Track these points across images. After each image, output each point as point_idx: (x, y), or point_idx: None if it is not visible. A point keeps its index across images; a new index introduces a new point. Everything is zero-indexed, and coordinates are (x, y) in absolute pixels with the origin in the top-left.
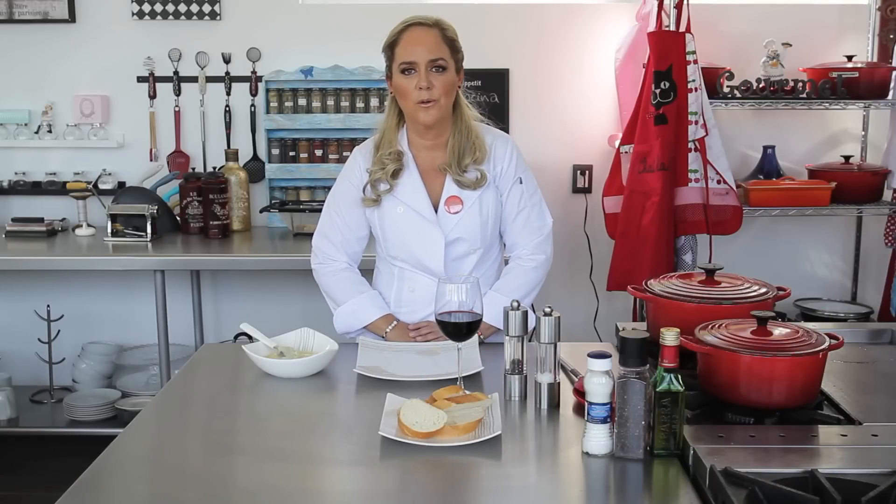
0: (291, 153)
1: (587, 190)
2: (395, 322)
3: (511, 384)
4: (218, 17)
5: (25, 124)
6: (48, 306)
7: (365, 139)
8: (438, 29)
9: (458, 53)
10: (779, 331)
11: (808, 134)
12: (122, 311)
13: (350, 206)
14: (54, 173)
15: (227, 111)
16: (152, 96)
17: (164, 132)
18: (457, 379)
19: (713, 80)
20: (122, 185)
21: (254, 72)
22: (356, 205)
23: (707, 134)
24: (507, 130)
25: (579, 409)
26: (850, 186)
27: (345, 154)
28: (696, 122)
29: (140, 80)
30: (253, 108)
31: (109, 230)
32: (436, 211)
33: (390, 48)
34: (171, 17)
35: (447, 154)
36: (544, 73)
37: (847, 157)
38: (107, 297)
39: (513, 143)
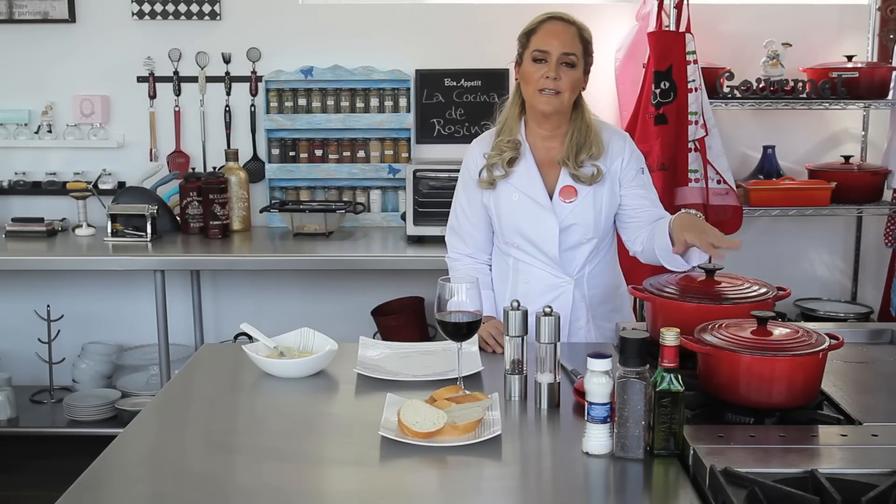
0: (291, 153)
1: None
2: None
3: (511, 384)
4: (218, 17)
5: (25, 124)
6: (48, 306)
7: (365, 139)
8: (576, 27)
9: (589, 56)
10: (779, 331)
11: (808, 134)
12: (122, 311)
13: (470, 195)
14: (54, 173)
15: (227, 111)
16: (152, 96)
17: (164, 132)
18: (457, 379)
19: (713, 80)
20: (122, 185)
21: (254, 72)
22: (475, 193)
23: (707, 134)
24: None
25: (579, 409)
26: (850, 186)
27: (345, 154)
28: (696, 122)
29: (140, 80)
30: (253, 108)
31: (109, 230)
32: (550, 199)
33: (527, 36)
34: (171, 17)
35: (564, 147)
36: None
37: (847, 157)
38: (107, 297)
39: (630, 139)
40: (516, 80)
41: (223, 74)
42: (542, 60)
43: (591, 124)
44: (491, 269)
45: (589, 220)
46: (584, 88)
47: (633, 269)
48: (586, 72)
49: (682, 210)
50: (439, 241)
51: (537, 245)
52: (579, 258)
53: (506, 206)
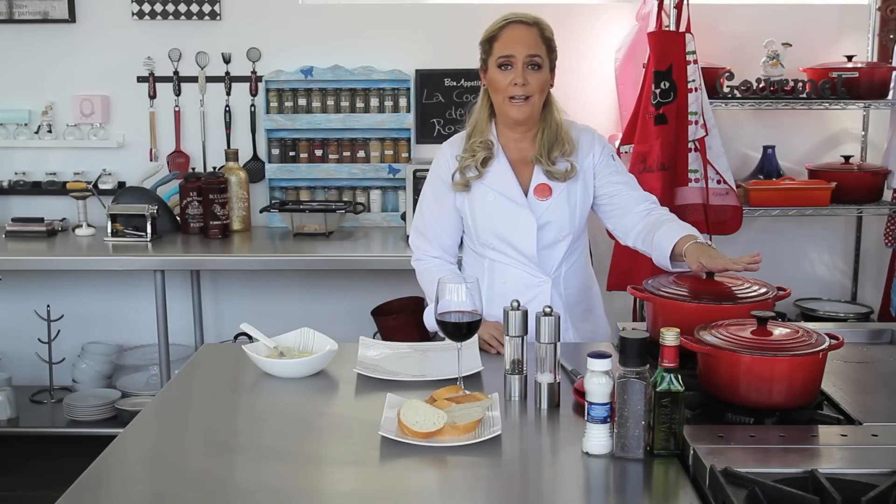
0: (291, 153)
1: None
2: None
3: (511, 384)
4: (218, 17)
5: (25, 124)
6: (48, 306)
7: (365, 139)
8: (538, 28)
9: (552, 53)
10: (779, 331)
11: (808, 134)
12: (122, 311)
13: (439, 198)
14: (54, 173)
15: (227, 111)
16: (152, 96)
17: (164, 132)
18: (457, 379)
19: (713, 80)
20: (122, 185)
21: (254, 72)
22: (446, 196)
23: (707, 134)
24: None
25: (579, 409)
26: (850, 186)
27: (345, 154)
28: (696, 122)
29: (140, 80)
30: (253, 108)
31: (109, 230)
32: (525, 197)
33: (489, 42)
34: (171, 17)
35: (536, 146)
36: None
37: (847, 157)
38: (107, 297)
39: (596, 132)
40: (483, 85)
41: (223, 74)
42: (508, 66)
43: (560, 123)
44: (461, 271)
45: (564, 217)
46: (552, 86)
47: (633, 270)
48: (552, 69)
49: (693, 241)
50: None
51: (514, 244)
52: (556, 256)
53: (480, 207)
